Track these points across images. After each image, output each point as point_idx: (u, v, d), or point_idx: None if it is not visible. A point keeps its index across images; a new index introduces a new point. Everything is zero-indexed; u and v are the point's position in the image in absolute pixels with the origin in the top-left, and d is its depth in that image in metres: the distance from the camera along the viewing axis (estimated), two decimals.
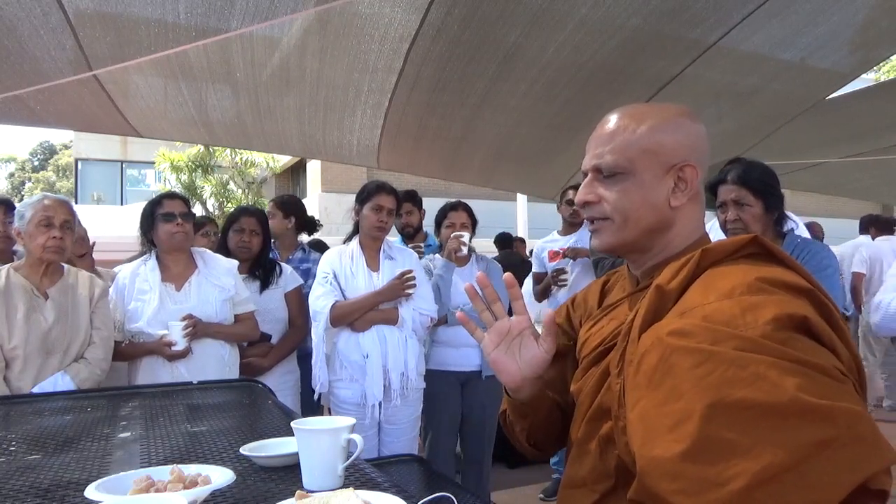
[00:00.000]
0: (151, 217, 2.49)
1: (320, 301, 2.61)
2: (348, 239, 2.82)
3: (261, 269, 2.87)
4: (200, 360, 2.39)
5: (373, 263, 2.73)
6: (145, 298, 2.43)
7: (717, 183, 2.16)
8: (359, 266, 2.70)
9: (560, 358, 1.17)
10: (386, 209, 2.68)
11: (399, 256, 2.78)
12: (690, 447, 0.67)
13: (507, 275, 1.04)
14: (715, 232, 2.33)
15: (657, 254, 0.96)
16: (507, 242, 6.34)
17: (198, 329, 2.38)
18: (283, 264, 3.00)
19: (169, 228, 2.44)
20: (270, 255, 3.05)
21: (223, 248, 2.90)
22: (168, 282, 2.46)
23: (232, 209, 3.42)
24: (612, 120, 0.97)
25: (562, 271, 3.57)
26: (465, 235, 2.94)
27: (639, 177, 0.93)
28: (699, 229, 0.98)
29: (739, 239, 0.85)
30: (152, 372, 2.37)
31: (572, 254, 3.58)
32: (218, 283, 2.50)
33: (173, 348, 2.33)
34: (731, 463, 0.65)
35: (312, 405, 2.98)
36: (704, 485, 0.66)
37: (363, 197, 2.73)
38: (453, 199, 3.20)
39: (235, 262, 2.65)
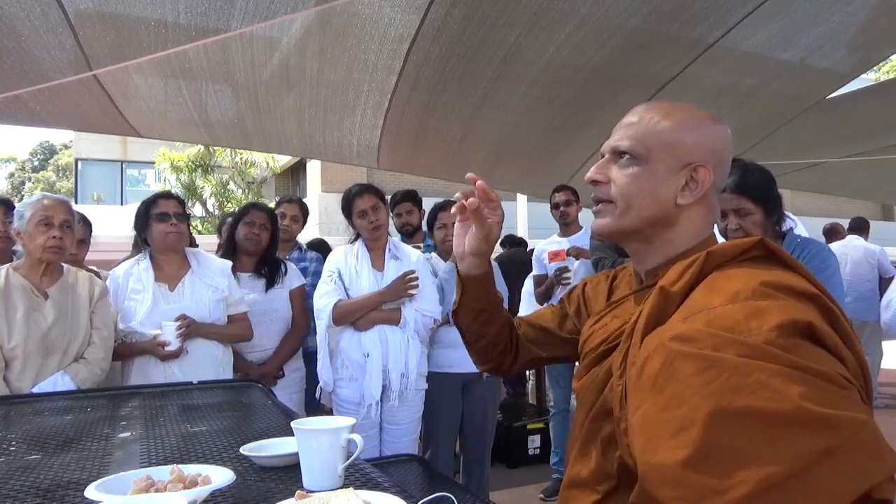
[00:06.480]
0: (146, 216, 2.48)
1: (323, 300, 2.62)
2: (355, 239, 2.81)
3: (267, 268, 2.86)
4: (193, 361, 2.39)
5: (378, 263, 2.73)
6: (138, 298, 2.42)
7: None
8: (363, 265, 2.70)
9: (560, 319, 1.26)
10: (369, 209, 2.68)
11: (405, 257, 2.77)
12: (692, 454, 0.67)
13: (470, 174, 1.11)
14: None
15: (659, 250, 0.96)
16: (514, 243, 6.34)
17: (191, 329, 2.38)
18: (287, 262, 2.99)
19: (163, 228, 2.44)
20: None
21: (230, 243, 2.89)
22: (161, 281, 2.46)
23: (232, 209, 3.40)
24: (640, 110, 0.98)
25: (565, 270, 3.58)
26: None
27: (652, 167, 0.94)
28: (705, 230, 0.97)
29: (745, 241, 0.84)
30: (145, 372, 2.37)
31: (575, 253, 3.58)
32: (211, 283, 2.50)
33: (166, 348, 2.33)
34: (732, 471, 0.65)
35: (315, 403, 2.98)
36: (706, 492, 0.65)
37: (347, 210, 2.75)
38: (441, 200, 3.17)
39: (229, 263, 2.64)
